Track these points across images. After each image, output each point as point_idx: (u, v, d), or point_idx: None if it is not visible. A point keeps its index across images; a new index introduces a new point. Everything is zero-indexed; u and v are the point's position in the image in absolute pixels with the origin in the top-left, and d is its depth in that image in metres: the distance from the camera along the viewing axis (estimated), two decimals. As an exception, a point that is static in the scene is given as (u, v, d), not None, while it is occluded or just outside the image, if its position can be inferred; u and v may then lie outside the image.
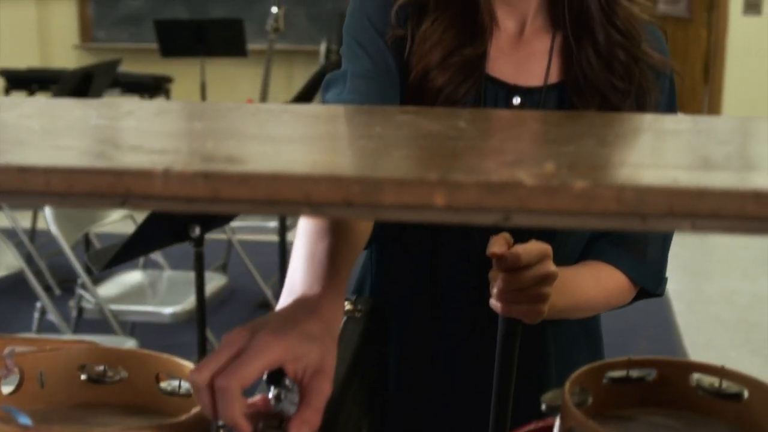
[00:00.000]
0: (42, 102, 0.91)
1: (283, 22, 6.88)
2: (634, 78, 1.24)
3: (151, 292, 3.56)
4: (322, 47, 7.33)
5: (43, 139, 0.72)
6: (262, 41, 7.14)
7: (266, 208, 0.62)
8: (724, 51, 7.18)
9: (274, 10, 6.86)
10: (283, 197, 0.60)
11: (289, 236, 4.57)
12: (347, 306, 1.07)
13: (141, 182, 0.61)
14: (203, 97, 6.60)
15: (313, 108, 0.98)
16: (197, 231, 2.63)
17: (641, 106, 1.26)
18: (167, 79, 6.62)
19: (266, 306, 4.54)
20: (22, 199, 0.64)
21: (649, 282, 1.32)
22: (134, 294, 3.50)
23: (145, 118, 0.82)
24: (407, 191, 0.59)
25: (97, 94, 4.73)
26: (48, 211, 3.18)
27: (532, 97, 1.27)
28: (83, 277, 3.31)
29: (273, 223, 4.23)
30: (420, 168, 0.63)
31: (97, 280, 3.50)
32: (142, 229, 2.57)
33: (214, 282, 3.58)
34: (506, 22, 1.29)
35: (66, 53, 7.85)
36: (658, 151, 0.69)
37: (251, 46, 7.04)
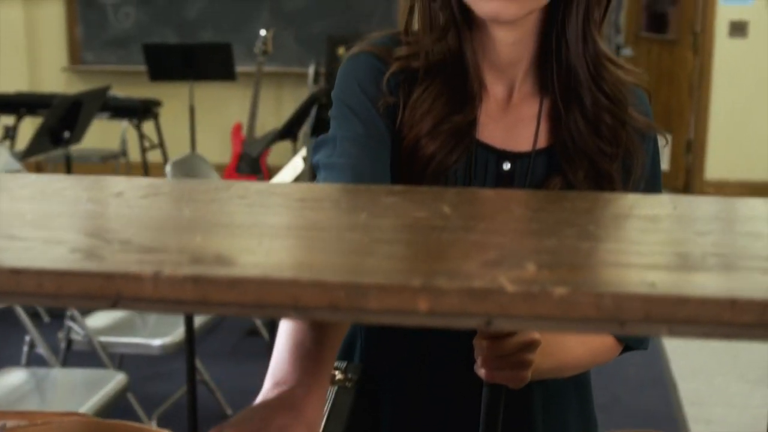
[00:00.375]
0: (34, 180, 0.92)
1: (272, 44, 6.92)
2: (621, 142, 1.26)
3: (140, 323, 3.57)
4: (311, 70, 7.35)
5: (35, 231, 0.74)
6: (251, 63, 7.18)
7: (254, 311, 0.64)
8: (710, 73, 7.22)
9: (263, 32, 6.91)
10: (271, 302, 0.62)
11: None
12: (338, 375, 1.08)
13: (131, 285, 0.63)
14: (192, 121, 6.62)
15: (300, 189, 0.99)
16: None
17: (628, 170, 1.28)
18: (156, 103, 6.63)
19: (255, 333, 4.54)
20: (14, 299, 0.65)
21: (634, 339, 1.34)
22: (123, 325, 3.51)
23: (134, 201, 0.84)
24: (391, 297, 0.60)
25: (86, 121, 4.74)
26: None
27: (522, 162, 1.29)
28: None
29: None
30: (404, 271, 0.65)
31: (86, 312, 3.50)
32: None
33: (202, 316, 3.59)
34: (495, 88, 1.30)
35: (55, 76, 7.85)
36: (638, 246, 0.70)
37: (240, 68, 7.06)
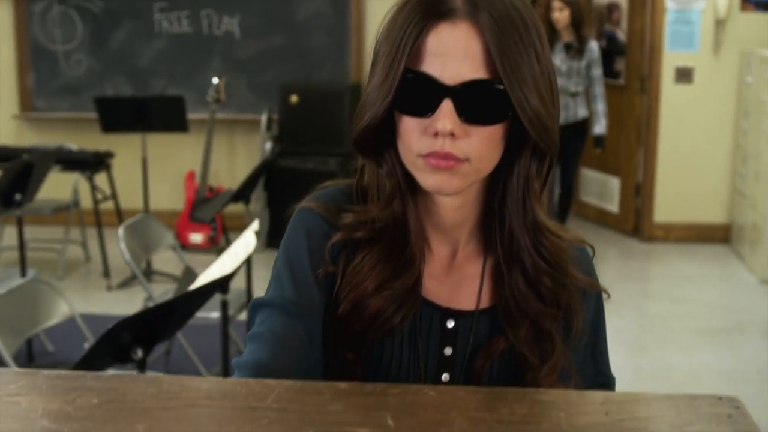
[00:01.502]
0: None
1: (224, 92, 6.95)
2: (561, 303, 1.30)
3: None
4: (264, 117, 7.38)
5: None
6: (204, 111, 7.21)
7: None
8: (657, 117, 7.34)
9: (215, 80, 6.94)
10: None
11: (230, 330, 4.59)
12: None
13: None
14: (144, 172, 6.62)
15: (215, 386, 1.02)
16: (140, 353, 2.66)
17: (569, 327, 1.32)
18: (108, 155, 6.61)
19: (209, 394, 4.54)
20: None
21: None
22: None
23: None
24: None
25: (38, 182, 4.74)
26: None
27: (465, 320, 1.33)
28: (25, 385, 3.30)
29: (215, 314, 4.24)
30: None
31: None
32: (89, 356, 2.60)
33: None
34: (439, 247, 1.34)
35: (5, 124, 7.82)
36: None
37: (193, 115, 7.09)
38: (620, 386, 4.30)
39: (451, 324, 1.33)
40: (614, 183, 7.83)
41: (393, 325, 1.28)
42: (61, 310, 3.69)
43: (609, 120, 6.83)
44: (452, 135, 1.18)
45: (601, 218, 8.01)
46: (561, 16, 6.63)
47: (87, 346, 3.93)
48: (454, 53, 1.18)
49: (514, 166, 1.27)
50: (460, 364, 1.33)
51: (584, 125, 6.84)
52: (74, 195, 6.73)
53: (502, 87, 1.18)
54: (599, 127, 6.82)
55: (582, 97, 6.78)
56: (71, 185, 6.76)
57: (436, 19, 1.20)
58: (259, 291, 5.03)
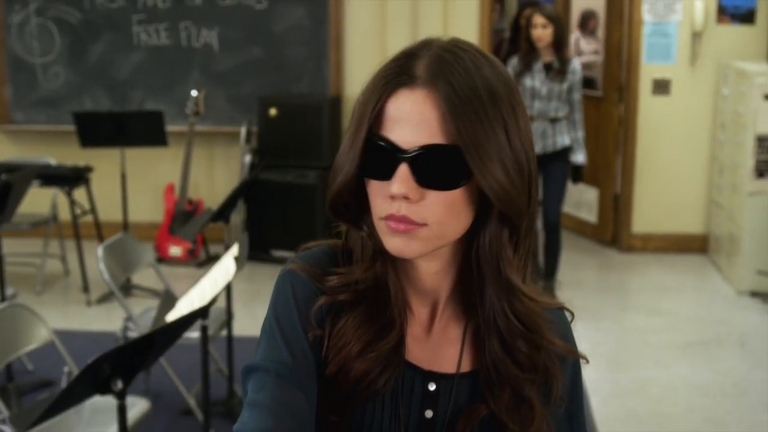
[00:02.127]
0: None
1: (203, 104, 6.95)
2: (539, 367, 1.32)
3: (75, 419, 3.56)
4: (243, 130, 7.39)
5: None
6: (183, 123, 7.21)
7: None
8: (635, 129, 7.38)
9: (194, 93, 6.94)
10: None
11: (211, 347, 4.60)
12: None
13: None
14: (124, 186, 6.61)
15: None
16: (119, 385, 2.67)
17: (548, 393, 1.34)
18: (87, 169, 6.60)
19: (189, 413, 4.55)
20: None
21: None
22: (57, 423, 3.50)
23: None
24: None
25: (16, 203, 4.73)
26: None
27: (446, 383, 1.34)
28: (3, 412, 3.31)
29: (195, 334, 4.26)
30: None
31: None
32: (68, 389, 2.61)
33: (137, 408, 3.60)
34: (420, 310, 1.36)
35: (-17, 136, 7.80)
36: None
37: (172, 128, 7.09)
38: (598, 400, 4.29)
39: (432, 387, 1.34)
40: (592, 193, 7.87)
41: (377, 387, 1.30)
42: (40, 334, 3.70)
43: (587, 131, 6.49)
44: (407, 198, 1.21)
45: (579, 228, 8.06)
46: (543, 33, 6.02)
47: (66, 369, 3.94)
48: (410, 119, 1.21)
49: (485, 232, 1.29)
50: (440, 428, 1.34)
51: (566, 154, 6.20)
52: (53, 210, 6.71)
53: (459, 153, 1.20)
54: (579, 156, 6.20)
55: (564, 123, 6.14)
56: (50, 200, 6.74)
57: (397, 86, 1.23)
58: (239, 307, 5.02)
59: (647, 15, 7.26)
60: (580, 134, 6.18)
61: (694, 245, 7.48)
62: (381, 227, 1.26)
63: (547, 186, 6.28)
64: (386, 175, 1.23)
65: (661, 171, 7.44)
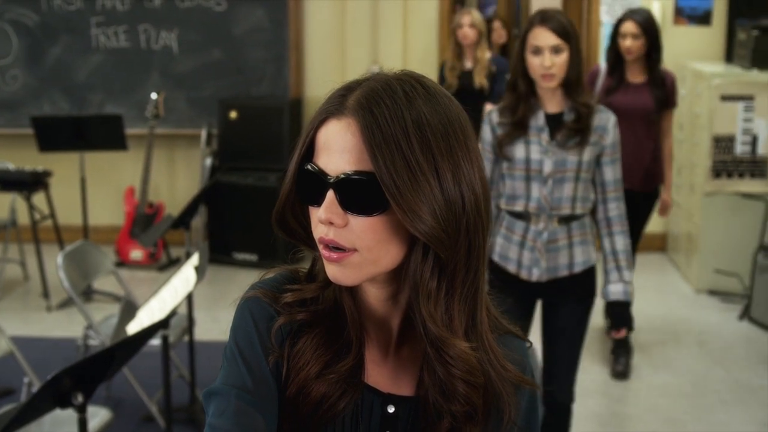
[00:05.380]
0: None
1: (163, 107, 6.92)
2: (477, 406, 1.32)
3: (36, 429, 3.55)
4: (203, 132, 7.38)
5: None
6: (143, 126, 7.17)
7: None
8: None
9: (154, 95, 6.91)
10: None
11: (173, 352, 4.60)
12: None
13: None
14: (83, 191, 6.57)
15: None
16: (80, 399, 2.66)
17: (499, 419, 1.36)
18: (47, 174, 6.56)
19: (151, 420, 4.54)
20: None
21: None
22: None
23: None
24: None
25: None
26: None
27: (405, 406, 1.36)
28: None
29: (156, 341, 4.25)
30: None
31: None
32: (29, 405, 2.60)
33: (99, 418, 3.59)
34: (378, 334, 1.37)
35: (-60, 140, 7.72)
36: None
37: (132, 131, 7.07)
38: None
39: (391, 409, 1.36)
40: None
41: (338, 410, 1.32)
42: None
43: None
44: (332, 223, 1.25)
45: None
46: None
47: (26, 379, 3.93)
48: (336, 147, 1.25)
49: (411, 259, 1.28)
50: None
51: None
52: (12, 214, 6.66)
53: (377, 182, 1.22)
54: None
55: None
56: (8, 204, 6.69)
57: (328, 116, 1.28)
58: (201, 311, 5.00)
59: (605, 16, 7.32)
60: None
61: (653, 244, 7.55)
62: (322, 252, 1.29)
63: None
64: (318, 200, 1.27)
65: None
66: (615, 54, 5.20)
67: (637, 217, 5.22)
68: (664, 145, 5.33)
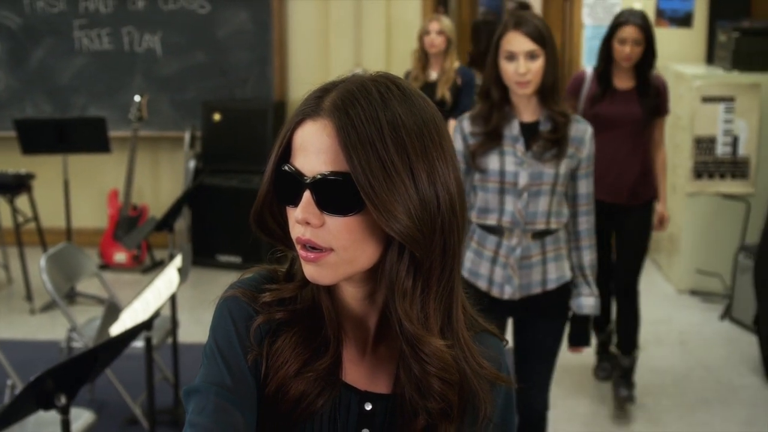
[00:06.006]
0: None
1: (147, 109, 6.92)
2: (452, 403, 1.34)
3: (17, 428, 3.55)
4: (187, 135, 7.38)
5: None
6: (126, 128, 7.17)
7: None
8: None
9: (137, 98, 6.90)
10: None
11: (156, 354, 4.60)
12: None
13: None
14: (66, 193, 6.57)
15: None
16: (63, 400, 2.67)
17: (474, 416, 1.38)
18: (30, 176, 6.55)
19: (135, 422, 4.55)
20: None
21: None
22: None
23: None
24: None
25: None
26: None
27: (383, 403, 1.38)
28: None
29: (139, 343, 4.25)
30: None
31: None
32: (12, 407, 2.61)
33: (82, 420, 3.59)
34: (355, 332, 1.39)
35: None
36: None
37: (115, 133, 7.06)
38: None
39: (368, 407, 1.38)
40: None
41: (316, 408, 1.34)
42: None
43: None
44: (309, 223, 1.27)
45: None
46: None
47: (9, 382, 3.93)
48: (311, 148, 1.27)
49: (387, 258, 1.30)
50: None
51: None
52: (-6, 217, 6.65)
53: (352, 182, 1.24)
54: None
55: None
56: (-9, 207, 6.69)
57: (304, 117, 1.29)
58: (185, 313, 5.01)
59: (587, 18, 7.36)
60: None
61: (635, 245, 7.57)
62: (299, 252, 1.30)
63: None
64: (295, 200, 1.28)
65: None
66: (607, 59, 4.73)
67: (631, 234, 5.01)
68: (657, 156, 4.90)
